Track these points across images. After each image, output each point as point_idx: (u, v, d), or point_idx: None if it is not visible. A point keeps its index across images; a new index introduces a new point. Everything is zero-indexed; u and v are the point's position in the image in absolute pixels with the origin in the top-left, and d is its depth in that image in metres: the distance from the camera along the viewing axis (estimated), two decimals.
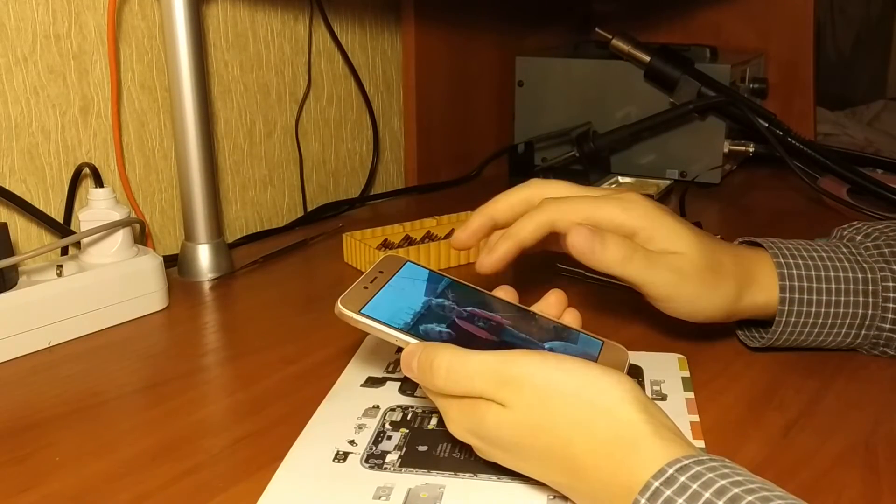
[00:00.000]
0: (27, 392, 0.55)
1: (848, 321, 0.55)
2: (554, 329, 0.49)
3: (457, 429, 0.43)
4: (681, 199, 0.97)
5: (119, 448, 0.48)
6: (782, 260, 0.54)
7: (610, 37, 1.09)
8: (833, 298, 0.54)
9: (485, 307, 0.50)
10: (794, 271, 0.54)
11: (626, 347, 0.49)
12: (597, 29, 1.10)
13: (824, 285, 0.54)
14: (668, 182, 1.05)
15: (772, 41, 1.22)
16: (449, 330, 0.47)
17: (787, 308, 0.54)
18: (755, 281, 0.54)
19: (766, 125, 1.01)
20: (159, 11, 0.77)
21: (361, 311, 0.47)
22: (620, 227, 0.51)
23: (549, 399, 0.39)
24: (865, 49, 1.73)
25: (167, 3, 0.70)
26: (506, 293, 0.52)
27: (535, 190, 0.55)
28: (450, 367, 0.42)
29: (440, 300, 0.50)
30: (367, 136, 1.06)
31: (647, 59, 1.05)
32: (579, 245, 0.50)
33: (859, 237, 0.58)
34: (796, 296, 0.54)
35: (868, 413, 0.51)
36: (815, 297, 0.54)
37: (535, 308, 0.51)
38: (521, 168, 1.08)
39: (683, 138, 1.07)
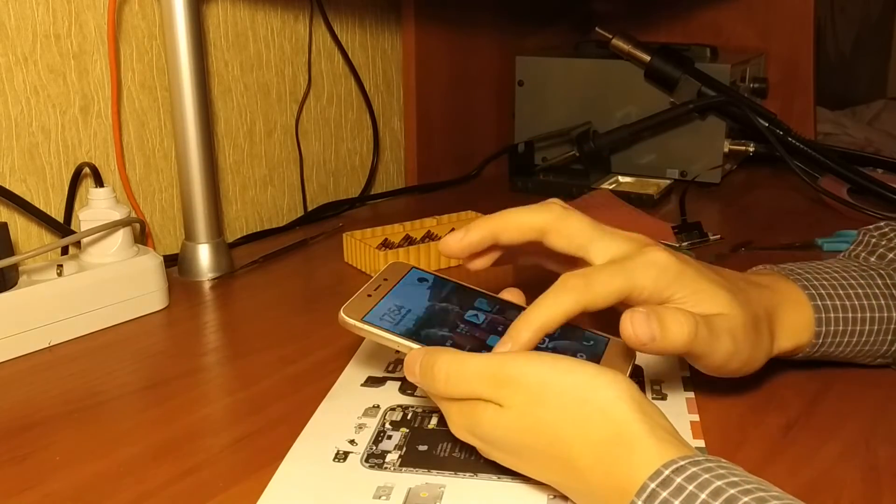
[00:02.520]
0: (27, 392, 0.55)
1: (871, 354, 0.54)
2: (559, 329, 0.49)
3: (457, 430, 0.43)
4: (681, 198, 0.97)
5: (119, 448, 0.48)
6: (819, 303, 0.51)
7: (610, 36, 1.09)
8: (864, 339, 0.52)
9: (489, 309, 0.50)
10: (832, 314, 0.51)
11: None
12: (597, 28, 1.11)
13: (858, 327, 0.52)
14: (668, 181, 1.05)
15: (772, 41, 1.22)
16: (451, 334, 0.47)
17: (819, 344, 0.52)
18: (784, 328, 0.51)
19: (767, 125, 1.01)
20: (159, 11, 0.77)
21: (363, 319, 0.47)
22: (653, 295, 0.46)
23: (545, 398, 0.39)
24: (865, 49, 1.73)
25: (167, 2, 0.70)
26: (512, 295, 0.52)
27: (551, 222, 0.49)
28: (449, 371, 0.42)
29: (443, 304, 0.50)
30: (368, 136, 1.06)
31: (648, 58, 1.05)
32: (640, 336, 0.43)
33: (892, 255, 0.56)
34: (829, 339, 0.52)
35: (868, 413, 0.51)
36: (846, 340, 0.52)
37: None
38: (521, 168, 1.08)
39: (683, 138, 1.07)
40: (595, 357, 0.47)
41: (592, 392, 0.39)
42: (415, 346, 0.46)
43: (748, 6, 1.24)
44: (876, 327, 0.52)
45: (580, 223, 0.48)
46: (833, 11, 1.58)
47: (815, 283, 0.52)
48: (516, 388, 0.40)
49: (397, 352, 0.50)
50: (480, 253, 0.51)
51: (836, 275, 0.54)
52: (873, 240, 0.58)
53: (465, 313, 0.49)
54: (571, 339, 0.48)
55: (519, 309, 0.50)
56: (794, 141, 0.99)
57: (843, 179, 0.97)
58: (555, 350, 0.47)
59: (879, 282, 0.54)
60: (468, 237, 0.49)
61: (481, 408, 0.41)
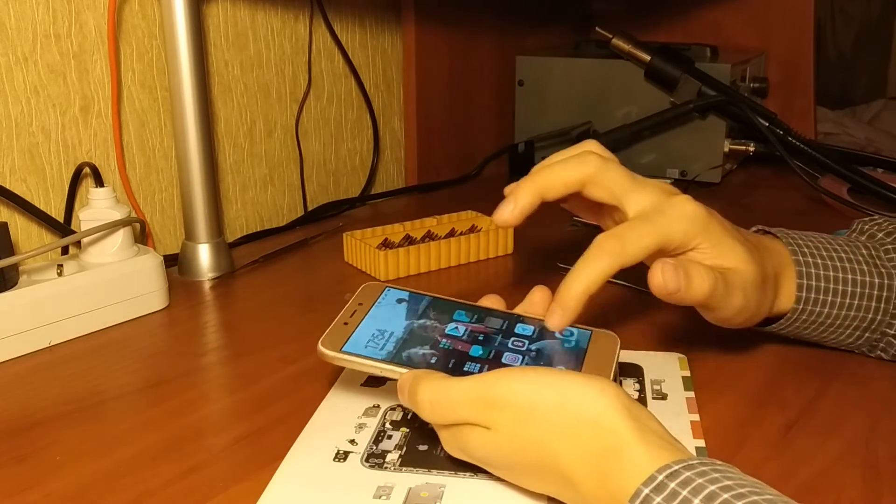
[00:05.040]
0: (28, 391, 0.55)
1: (856, 323, 0.55)
2: (540, 329, 0.49)
3: (450, 449, 0.43)
4: None
5: (119, 447, 0.48)
6: (801, 258, 0.54)
7: (610, 36, 1.08)
8: (847, 301, 0.54)
9: (468, 319, 0.50)
10: (813, 270, 0.53)
11: (617, 336, 0.49)
12: (597, 28, 1.10)
13: (840, 287, 0.54)
14: (669, 181, 1.04)
15: (772, 40, 1.22)
16: (433, 351, 0.47)
17: (801, 307, 0.54)
18: (782, 287, 0.53)
19: (767, 124, 1.01)
20: (159, 11, 0.77)
21: (342, 350, 0.46)
22: (681, 245, 0.49)
23: (532, 416, 0.39)
24: (865, 48, 1.73)
25: (167, 2, 0.70)
26: (492, 301, 0.52)
27: (593, 175, 0.50)
28: (432, 401, 0.42)
29: (422, 321, 0.49)
30: (368, 136, 1.06)
31: (648, 58, 1.05)
32: (668, 286, 0.47)
33: (881, 234, 0.57)
34: (812, 295, 0.53)
35: (868, 412, 0.51)
36: (829, 298, 0.54)
37: (520, 309, 0.51)
38: (521, 167, 1.08)
39: (684, 137, 1.07)
40: (580, 352, 0.47)
41: (581, 404, 0.39)
42: (397, 369, 0.45)
43: (748, 6, 1.24)
44: (858, 290, 0.54)
45: (617, 174, 0.51)
46: (833, 11, 1.58)
47: (801, 241, 0.55)
48: (502, 409, 0.40)
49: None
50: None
51: (823, 240, 0.56)
52: (865, 226, 0.59)
53: (445, 327, 0.49)
54: (553, 338, 0.48)
55: (499, 314, 0.50)
56: (794, 141, 0.99)
57: (844, 179, 0.97)
58: (539, 351, 0.47)
59: (864, 251, 0.55)
60: (520, 205, 0.50)
61: (467, 431, 0.41)
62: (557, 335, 0.48)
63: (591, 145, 0.53)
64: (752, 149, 1.06)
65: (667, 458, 0.36)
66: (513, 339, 0.48)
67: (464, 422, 0.41)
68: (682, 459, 0.36)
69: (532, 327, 0.49)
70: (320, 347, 0.46)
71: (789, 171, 0.98)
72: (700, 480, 0.34)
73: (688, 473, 0.35)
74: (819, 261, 0.54)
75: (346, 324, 0.48)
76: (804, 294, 0.53)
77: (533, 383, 0.40)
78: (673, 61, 1.04)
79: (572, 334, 0.49)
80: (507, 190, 0.51)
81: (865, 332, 0.55)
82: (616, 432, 0.38)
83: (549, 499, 0.42)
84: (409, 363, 0.45)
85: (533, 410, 0.39)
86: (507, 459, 0.41)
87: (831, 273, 0.54)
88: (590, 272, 0.47)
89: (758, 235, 0.56)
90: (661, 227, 0.48)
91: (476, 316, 0.50)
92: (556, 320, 0.47)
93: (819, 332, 0.55)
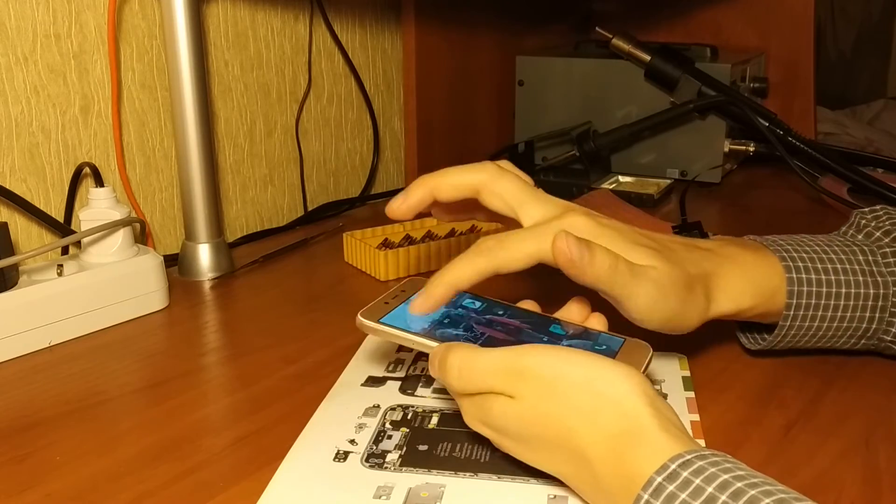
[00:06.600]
0: (28, 391, 0.55)
1: (850, 332, 0.54)
2: (573, 331, 0.49)
3: (470, 420, 0.43)
4: (681, 198, 0.97)
5: (120, 447, 0.48)
6: (794, 275, 0.52)
7: (610, 36, 1.09)
8: (839, 314, 0.53)
9: (503, 314, 0.50)
10: (805, 288, 0.52)
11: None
12: (597, 28, 1.11)
13: (833, 301, 0.53)
14: (669, 181, 1.05)
15: (772, 40, 1.22)
16: (466, 333, 0.48)
17: (792, 313, 0.53)
18: (723, 291, 0.51)
19: (767, 124, 1.01)
20: (159, 11, 0.77)
21: (380, 321, 0.48)
22: None
23: (557, 389, 0.40)
24: (865, 49, 1.73)
25: (167, 2, 0.70)
26: (529, 305, 0.52)
27: (485, 182, 0.51)
28: (461, 366, 0.42)
29: (459, 310, 0.50)
30: (368, 136, 1.06)
31: (648, 58, 1.05)
32: (572, 251, 0.46)
33: (878, 233, 0.56)
34: (802, 311, 0.53)
35: (869, 412, 0.51)
36: (819, 313, 0.53)
37: (558, 315, 0.51)
38: (521, 167, 1.08)
39: (684, 137, 1.07)
40: (609, 355, 0.47)
41: (606, 385, 0.39)
42: (430, 342, 0.46)
43: (748, 6, 1.24)
44: (852, 303, 0.53)
45: (512, 184, 0.51)
46: (833, 11, 1.58)
47: (794, 255, 0.53)
48: (529, 380, 0.40)
49: (399, 349, 0.50)
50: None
51: (818, 248, 0.54)
52: (864, 221, 0.59)
53: (481, 317, 0.50)
54: (586, 339, 0.48)
55: (535, 315, 0.50)
56: (794, 140, 0.99)
57: (844, 179, 0.97)
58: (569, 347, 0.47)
59: (861, 258, 0.54)
60: (409, 198, 0.52)
61: (491, 399, 0.42)
62: (590, 340, 0.48)
63: (500, 161, 0.54)
64: (752, 149, 1.06)
65: (682, 448, 0.36)
66: (545, 336, 0.48)
67: (489, 390, 0.42)
68: (695, 450, 0.36)
69: (566, 330, 0.49)
70: (360, 317, 0.48)
71: (789, 171, 0.98)
72: (713, 469, 0.35)
73: (700, 463, 0.35)
74: (812, 276, 0.53)
75: (387, 303, 0.50)
76: (795, 300, 0.52)
77: (562, 360, 0.41)
78: (673, 61, 1.04)
79: (605, 340, 0.48)
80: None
81: (861, 340, 0.55)
82: (637, 417, 0.38)
83: (549, 498, 0.42)
84: (442, 340, 0.46)
85: (558, 384, 0.40)
86: (527, 431, 0.41)
87: (824, 289, 0.52)
88: (462, 268, 0.48)
89: (703, 240, 0.55)
90: (544, 235, 0.47)
91: (512, 312, 0.51)
92: (418, 303, 0.48)
93: (814, 341, 0.55)
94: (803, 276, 0.52)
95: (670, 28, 1.30)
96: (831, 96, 1.38)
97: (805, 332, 0.54)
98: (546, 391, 0.40)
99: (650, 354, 0.47)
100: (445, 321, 0.49)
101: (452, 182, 0.52)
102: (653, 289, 0.48)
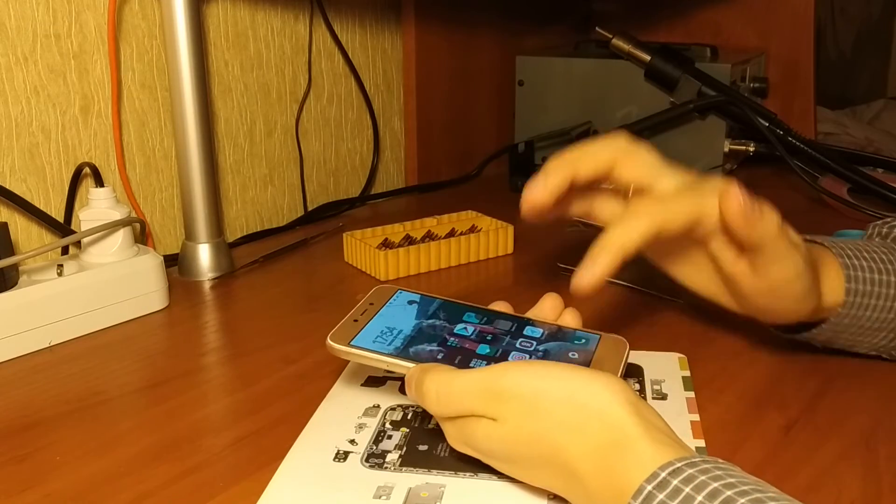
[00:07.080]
0: (28, 391, 0.55)
1: (893, 325, 0.54)
2: (548, 332, 0.49)
3: (454, 443, 0.43)
4: None
5: (120, 447, 0.48)
6: (847, 260, 0.52)
7: (610, 36, 1.08)
8: (889, 303, 0.53)
9: (477, 320, 0.50)
10: (860, 273, 0.52)
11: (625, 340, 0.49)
12: (597, 28, 1.10)
13: (884, 290, 0.52)
14: None
15: (772, 40, 1.22)
16: (440, 348, 0.47)
17: (851, 301, 0.52)
18: (825, 283, 0.52)
19: (767, 124, 1.01)
20: (159, 11, 0.77)
21: (351, 343, 0.47)
22: (718, 222, 0.48)
23: (539, 407, 0.39)
24: (865, 49, 1.73)
25: (167, 2, 0.70)
26: (501, 307, 0.52)
27: (622, 153, 0.49)
28: (439, 391, 0.42)
29: (431, 321, 0.50)
30: (368, 136, 1.06)
31: (648, 58, 1.05)
32: (739, 206, 0.45)
33: None
34: (858, 299, 0.52)
35: (868, 412, 0.51)
36: (872, 301, 0.52)
37: (531, 314, 0.51)
38: (521, 167, 1.08)
39: (684, 138, 1.07)
40: (587, 355, 0.47)
41: (588, 397, 0.39)
42: (404, 364, 0.45)
43: (748, 6, 1.24)
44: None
45: (649, 154, 0.49)
46: (833, 11, 1.58)
47: (840, 247, 0.53)
48: (508, 401, 0.40)
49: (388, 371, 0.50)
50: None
51: (858, 244, 0.54)
52: (885, 229, 0.59)
53: (454, 327, 0.49)
54: (562, 339, 0.48)
55: (509, 317, 0.50)
56: (794, 140, 0.99)
57: (844, 179, 0.97)
58: (546, 352, 0.47)
59: None
60: (549, 179, 0.48)
61: (473, 423, 0.41)
62: (566, 339, 0.48)
63: (621, 133, 0.51)
64: (752, 149, 1.06)
65: (671, 455, 0.36)
66: (521, 339, 0.48)
67: (470, 413, 0.41)
68: (686, 457, 0.36)
69: (541, 330, 0.49)
70: (329, 341, 0.47)
71: (789, 171, 0.98)
72: (703, 478, 0.34)
73: (691, 471, 0.35)
74: (864, 262, 0.53)
75: (356, 320, 0.49)
76: (852, 299, 0.52)
77: (540, 376, 0.40)
78: (673, 61, 1.04)
79: (581, 337, 0.48)
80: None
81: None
82: (621, 427, 0.38)
83: (550, 498, 0.42)
84: (416, 359, 0.46)
85: (539, 402, 0.39)
86: (513, 452, 0.40)
87: (876, 276, 0.52)
88: (626, 232, 0.45)
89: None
90: (701, 196, 0.47)
91: (486, 318, 0.50)
92: (586, 276, 0.44)
93: (857, 335, 0.54)
94: (856, 261, 0.53)
95: (670, 28, 1.30)
96: (831, 96, 1.38)
97: (856, 322, 0.53)
98: (528, 410, 0.39)
99: (627, 349, 0.47)
100: (417, 336, 0.48)
101: (592, 155, 0.49)
102: (801, 261, 0.48)
